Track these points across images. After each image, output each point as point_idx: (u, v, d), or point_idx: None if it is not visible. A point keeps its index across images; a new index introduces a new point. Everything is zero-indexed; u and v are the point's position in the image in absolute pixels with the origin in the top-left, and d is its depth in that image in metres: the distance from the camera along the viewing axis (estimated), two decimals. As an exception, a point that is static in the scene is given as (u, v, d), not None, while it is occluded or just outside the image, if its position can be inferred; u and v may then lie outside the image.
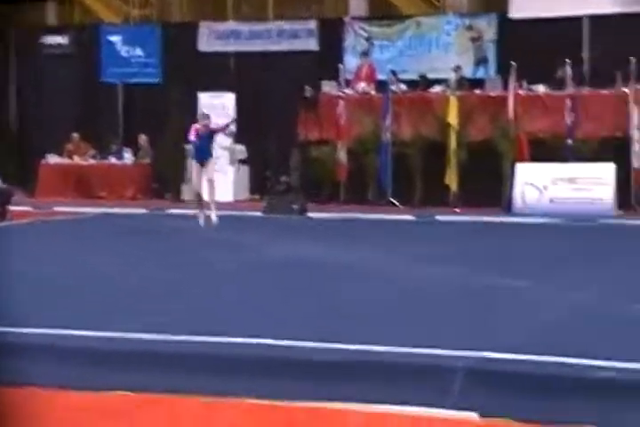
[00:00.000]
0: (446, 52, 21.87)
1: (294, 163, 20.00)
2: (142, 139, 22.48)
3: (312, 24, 22.72)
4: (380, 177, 19.05)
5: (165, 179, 21.72)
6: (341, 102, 19.41)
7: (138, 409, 5.64)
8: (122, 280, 9.45)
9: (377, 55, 21.99)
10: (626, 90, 18.17)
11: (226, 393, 5.67)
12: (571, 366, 5.79)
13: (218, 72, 22.45)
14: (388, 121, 19.03)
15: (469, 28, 21.81)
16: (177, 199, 20.78)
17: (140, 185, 22.27)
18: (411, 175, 19.12)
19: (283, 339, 6.34)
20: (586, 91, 18.89)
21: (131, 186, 22.17)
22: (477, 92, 19.67)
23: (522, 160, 18.15)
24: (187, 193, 19.90)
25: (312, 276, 9.98)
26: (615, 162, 17.44)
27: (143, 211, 18.73)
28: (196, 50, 23.29)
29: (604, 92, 18.74)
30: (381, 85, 19.97)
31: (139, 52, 23.87)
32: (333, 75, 20.04)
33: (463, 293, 8.87)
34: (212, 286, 9.29)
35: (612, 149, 18.04)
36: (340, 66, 20.10)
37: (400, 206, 18.79)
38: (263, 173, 21.02)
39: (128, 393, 5.74)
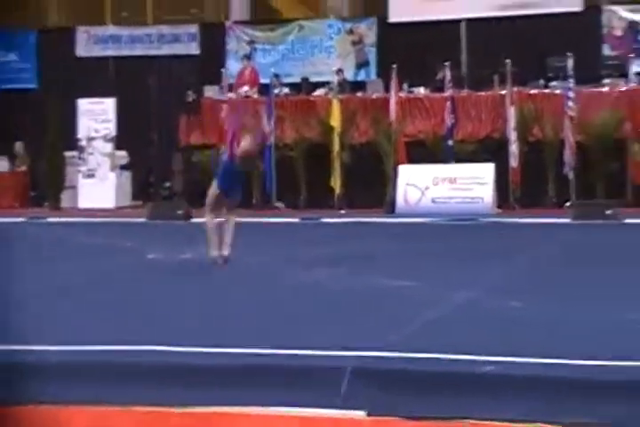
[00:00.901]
0: (328, 55, 22.02)
1: (177, 168, 19.82)
2: (18, 146, 21.98)
3: (193, 28, 22.61)
4: (264, 181, 19.02)
5: (43, 187, 21.26)
6: (224, 106, 19.31)
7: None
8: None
9: (260, 59, 22.00)
10: (503, 92, 18.52)
11: (115, 402, 5.58)
12: (454, 362, 5.88)
13: (97, 77, 22.11)
14: (272, 125, 19.01)
15: (350, 31, 22.00)
16: (55, 207, 20.35)
17: (17, 193, 21.76)
18: (295, 178, 19.16)
19: (167, 345, 6.26)
20: (465, 93, 19.21)
21: (7, 194, 21.65)
22: (359, 94, 19.85)
23: (403, 162, 18.36)
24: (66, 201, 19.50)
25: (194, 281, 9.90)
26: (494, 162, 17.77)
27: (21, 219, 18.29)
28: (74, 55, 22.90)
29: (482, 94, 19.09)
30: (264, 89, 19.95)
31: (13, 57, 23.35)
32: (216, 79, 19.93)
33: (348, 293, 8.88)
34: (86, 292, 9.08)
35: (491, 149, 18.41)
36: (223, 70, 20.01)
37: (285, 209, 18.80)
38: (146, 179, 20.76)
39: None
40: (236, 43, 22.40)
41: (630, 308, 7.74)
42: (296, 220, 17.23)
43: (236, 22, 22.79)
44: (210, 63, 21.31)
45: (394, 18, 21.61)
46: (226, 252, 10.84)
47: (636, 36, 20.05)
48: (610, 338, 6.66)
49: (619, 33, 20.41)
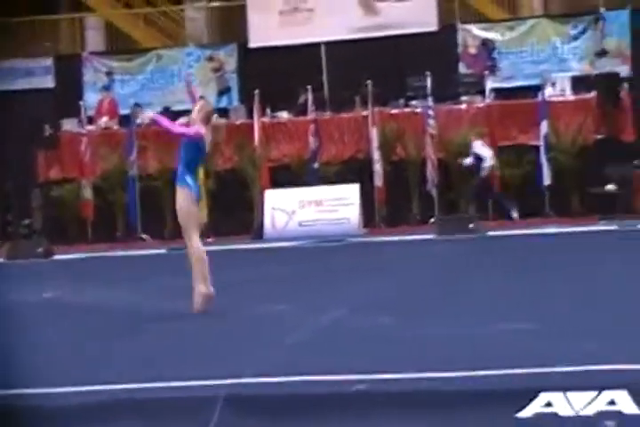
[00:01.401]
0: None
1: (36, 204, 19.32)
2: None
3: (48, 61, 22.16)
4: (128, 212, 18.68)
5: None
6: (84, 139, 18.95)
7: None
8: None
9: (118, 90, 21.70)
10: (365, 113, 18.63)
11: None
12: (324, 383, 5.80)
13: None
14: (134, 155, 18.72)
15: (210, 58, 21.88)
16: None
17: None
18: (160, 209, 18.86)
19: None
20: (327, 115, 19.27)
21: None
22: (222, 121, 19.68)
23: (268, 187, 18.29)
24: None
25: (56, 318, 9.59)
26: (359, 182, 17.84)
27: None
28: None
29: (345, 115, 19.19)
30: (124, 120, 19.64)
31: None
32: (74, 112, 19.54)
33: (217, 321, 8.79)
34: None
35: (356, 170, 18.49)
36: (81, 102, 19.63)
37: (151, 240, 18.48)
38: (4, 217, 20.15)
39: None
40: (93, 74, 22.04)
41: (496, 318, 7.81)
42: (163, 251, 16.92)
43: (93, 53, 22.46)
44: (67, 96, 20.90)
45: (254, 43, 21.60)
46: (211, 288, 9.05)
47: (489, 53, 20.44)
48: (477, 349, 6.68)
49: (473, 51, 20.80)
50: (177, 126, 9.42)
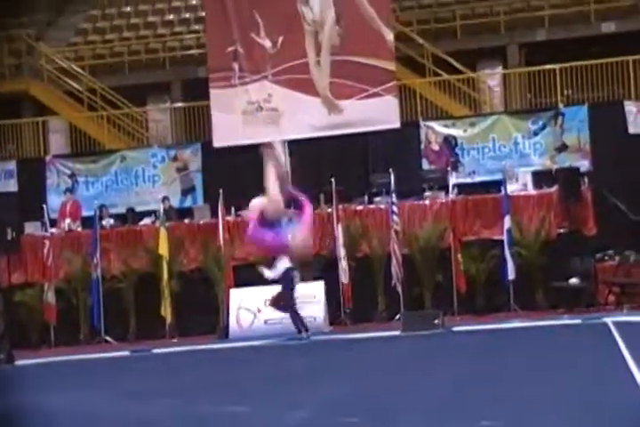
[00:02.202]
0: (153, 184, 21.91)
1: (-2, 309, 19.07)
2: None
3: (10, 165, 22.21)
4: (92, 314, 18.47)
5: None
6: (47, 242, 18.86)
7: None
8: None
9: (82, 191, 21.74)
10: (329, 210, 18.67)
11: None
12: None
13: None
14: (97, 257, 18.61)
15: (175, 158, 22.01)
16: None
17: None
18: (124, 310, 18.71)
19: None
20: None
21: None
22: (187, 221, 19.70)
23: (233, 286, 18.18)
24: None
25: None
26: (324, 279, 17.77)
27: None
28: None
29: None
30: (88, 222, 19.58)
31: None
32: (37, 215, 19.48)
33: (185, 424, 8.69)
34: None
35: (321, 267, 18.41)
36: (44, 205, 19.59)
37: (115, 343, 18.24)
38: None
39: None
40: (56, 177, 22.09)
41: (460, 418, 7.70)
42: (126, 353, 16.68)
43: (56, 156, 22.53)
44: (30, 199, 20.82)
45: (217, 143, 21.75)
46: None
47: (452, 149, 20.69)
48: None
49: (436, 147, 21.04)
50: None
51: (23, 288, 19.06)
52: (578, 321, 15.59)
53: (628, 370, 9.76)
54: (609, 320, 14.90)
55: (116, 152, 22.37)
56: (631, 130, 20.12)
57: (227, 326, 17.68)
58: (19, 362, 16.26)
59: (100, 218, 19.64)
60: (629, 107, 20.26)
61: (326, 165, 20.93)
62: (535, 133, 20.57)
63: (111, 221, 19.95)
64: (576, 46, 22.25)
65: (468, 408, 8.33)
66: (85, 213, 20.27)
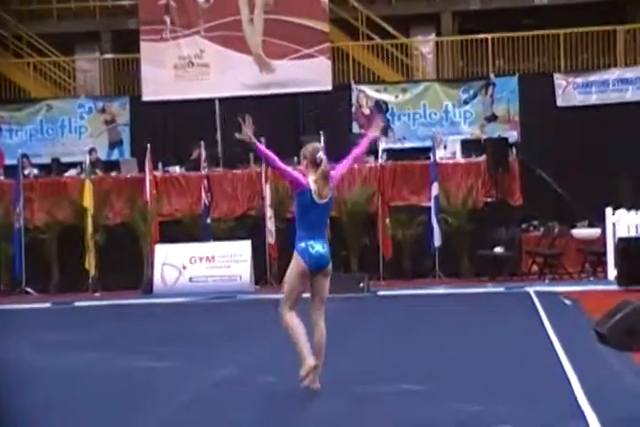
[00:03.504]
0: (79, 135, 21.59)
1: None
2: None
3: None
4: (13, 265, 18.18)
5: None
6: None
7: None
8: None
9: (6, 139, 21.34)
10: (259, 169, 18.61)
11: None
12: None
13: None
14: (20, 207, 18.27)
15: (102, 110, 21.70)
16: None
17: None
18: (47, 262, 18.45)
19: None
20: (220, 171, 19.19)
21: None
22: (113, 174, 19.44)
23: (158, 241, 18.05)
24: None
25: None
26: (251, 239, 17.75)
27: None
28: None
29: (238, 172, 19.12)
30: (10, 171, 19.19)
31: None
32: (-41, 160, 19.05)
33: (104, 378, 8.68)
34: None
35: (248, 226, 18.40)
36: (-34, 151, 19.17)
37: (36, 294, 17.99)
38: None
39: None
40: (-21, 123, 21.64)
41: (378, 379, 7.83)
42: (48, 305, 16.49)
43: (-21, 103, 22.06)
44: (-48, 144, 20.41)
45: (147, 97, 21.49)
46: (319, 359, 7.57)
47: (382, 114, 20.75)
48: (358, 409, 6.66)
49: (367, 111, 21.09)
50: (280, 162, 7.68)
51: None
52: (501, 289, 15.90)
53: (547, 337, 10.08)
54: (531, 290, 15.25)
55: (42, 101, 21.96)
56: (559, 103, 20.45)
57: (151, 282, 17.55)
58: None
59: (23, 168, 19.26)
60: (559, 80, 20.57)
61: (257, 125, 20.47)
62: (465, 102, 20.78)
63: (34, 170, 19.56)
64: (509, 17, 22.45)
65: (388, 371, 8.51)
66: (8, 161, 19.85)
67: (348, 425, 6.37)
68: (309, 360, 7.40)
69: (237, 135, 7.93)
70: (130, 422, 6.64)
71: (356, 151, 7.96)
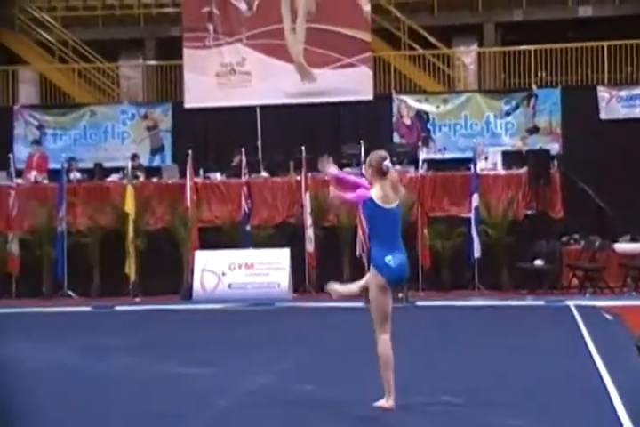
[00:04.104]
0: (122, 140, 21.80)
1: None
2: None
3: (-22, 112, 22.02)
4: (55, 268, 18.36)
5: None
6: (12, 193, 18.66)
7: None
8: None
9: (50, 144, 21.56)
10: (298, 177, 18.67)
11: None
12: None
13: None
14: (63, 211, 18.46)
15: (145, 117, 21.90)
16: None
17: None
18: (88, 265, 18.61)
19: None
20: (261, 178, 19.28)
21: None
22: (154, 180, 19.59)
23: (198, 248, 18.15)
24: None
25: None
26: (290, 247, 17.81)
27: None
28: None
29: (278, 179, 19.21)
30: (54, 175, 19.39)
31: None
32: (3, 165, 19.23)
33: (143, 383, 8.76)
34: None
35: (287, 234, 18.46)
36: (10, 155, 19.35)
37: (77, 298, 18.15)
38: None
39: None
40: (24, 127, 21.91)
41: (419, 390, 7.83)
42: (88, 308, 16.64)
43: (25, 106, 22.31)
44: (-3, 148, 20.65)
45: (189, 104, 21.66)
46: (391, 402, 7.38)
47: (424, 124, 20.78)
48: (399, 419, 6.67)
49: (408, 122, 21.12)
50: (349, 194, 7.47)
51: (-13, 237, 18.90)
52: (541, 303, 15.82)
53: (588, 352, 10.04)
54: (571, 303, 15.17)
55: (86, 106, 22.22)
56: (603, 116, 20.35)
57: (190, 288, 17.66)
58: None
59: (68, 171, 19.51)
60: (602, 93, 20.48)
61: (297, 133, 20.93)
62: (507, 113, 20.74)
63: (78, 174, 19.77)
64: (553, 29, 22.39)
65: (426, 382, 8.50)
66: (52, 165, 20.06)
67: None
68: (390, 401, 7.27)
69: (322, 170, 7.87)
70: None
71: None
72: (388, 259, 7.19)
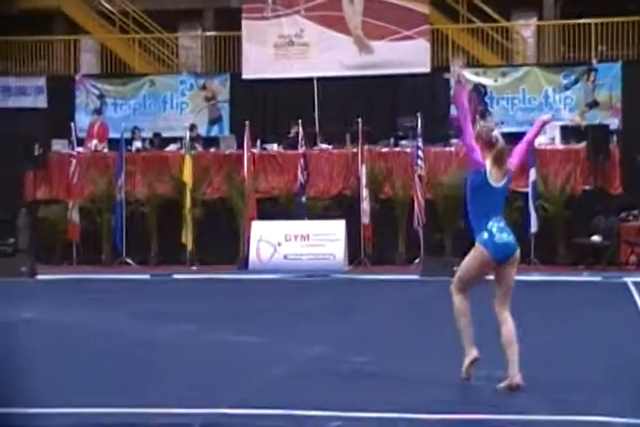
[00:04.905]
0: (181, 111, 21.98)
1: (22, 223, 19.18)
2: None
3: (41, 81, 22.20)
4: (114, 236, 18.63)
5: None
6: (73, 161, 18.93)
7: None
8: None
9: (110, 113, 21.77)
10: (354, 150, 18.70)
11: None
12: (303, 418, 5.85)
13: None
14: (122, 180, 18.69)
15: (203, 87, 22.05)
16: None
17: None
18: (146, 234, 18.85)
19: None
20: (317, 150, 19.34)
21: None
22: (212, 150, 19.74)
23: (255, 218, 18.30)
24: None
25: (34, 338, 9.56)
26: (346, 219, 17.89)
27: None
28: None
29: (335, 151, 19.25)
30: (114, 144, 19.62)
31: None
32: (64, 133, 19.49)
33: (198, 350, 8.88)
34: None
35: (343, 206, 18.55)
36: (72, 124, 19.59)
37: (135, 265, 18.41)
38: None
39: None
40: (85, 96, 22.12)
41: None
42: (147, 276, 16.89)
43: (86, 76, 22.55)
44: (58, 117, 20.85)
45: (247, 75, 21.74)
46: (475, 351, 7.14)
47: (481, 98, 20.64)
48: (453, 392, 6.74)
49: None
50: (470, 129, 7.04)
51: (48, 204, 19.14)
52: (598, 279, 15.71)
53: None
54: (629, 280, 15.05)
55: (146, 76, 22.38)
56: (664, 91, 20.11)
57: (246, 258, 17.82)
58: (40, 276, 16.51)
59: (132, 139, 19.73)
60: (663, 67, 20.21)
61: (354, 105, 20.93)
62: (566, 88, 20.56)
63: (140, 143, 19.98)
64: (612, 2, 22.05)
65: (483, 358, 8.49)
66: (112, 134, 20.29)
67: (447, 409, 6.40)
68: (474, 352, 7.04)
69: (449, 73, 7.34)
70: (218, 394, 6.74)
71: (529, 136, 7.37)
72: (495, 234, 6.91)
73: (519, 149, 7.23)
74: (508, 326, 6.97)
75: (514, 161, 7.10)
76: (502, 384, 6.90)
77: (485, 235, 6.91)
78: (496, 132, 7.05)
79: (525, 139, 7.33)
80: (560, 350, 8.85)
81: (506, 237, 6.92)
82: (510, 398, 6.65)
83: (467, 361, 7.07)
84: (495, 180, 6.92)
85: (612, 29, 21.05)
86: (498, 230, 6.91)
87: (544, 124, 7.50)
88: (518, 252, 7.02)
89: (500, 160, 6.93)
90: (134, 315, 11.47)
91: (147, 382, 7.23)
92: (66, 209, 18.81)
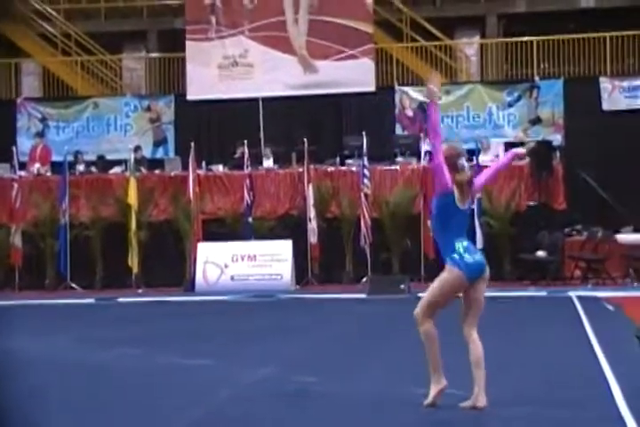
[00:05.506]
0: (125, 132, 21.83)
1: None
2: None
3: (-19, 105, 22.05)
4: (58, 260, 18.40)
5: None
6: (15, 185, 18.71)
7: None
8: None
9: (53, 136, 21.62)
10: (301, 169, 18.69)
11: None
12: None
13: None
14: (66, 203, 18.50)
15: (148, 109, 21.93)
16: None
17: None
18: (91, 258, 18.66)
19: None
20: (263, 170, 19.29)
21: None
22: (157, 172, 19.61)
23: (201, 240, 18.19)
24: None
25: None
26: (293, 238, 17.85)
27: None
28: None
29: (281, 171, 19.22)
30: (57, 167, 19.42)
31: None
32: (6, 157, 19.29)
33: (144, 373, 8.77)
34: None
35: (290, 226, 18.50)
36: (14, 148, 19.39)
37: (80, 290, 18.19)
38: None
39: None
40: (27, 120, 21.97)
41: (413, 381, 7.82)
42: (91, 300, 16.69)
43: (28, 99, 22.36)
44: (0, 140, 20.65)
45: (191, 96, 21.68)
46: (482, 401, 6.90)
47: (425, 116, 20.70)
48: (395, 412, 6.67)
49: (410, 113, 21.11)
50: (441, 151, 6.82)
51: (-11, 228, 18.96)
52: (543, 293, 15.83)
53: (589, 342, 10.05)
54: (573, 294, 15.17)
55: (89, 99, 22.26)
56: (605, 106, 20.34)
57: (193, 280, 17.72)
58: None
59: (75, 163, 19.55)
60: (604, 84, 20.47)
61: (299, 125, 20.97)
62: (510, 105, 20.75)
63: (81, 167, 19.79)
64: (555, 20, 22.37)
65: (424, 373, 8.48)
66: (55, 158, 20.09)
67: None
68: (443, 380, 6.97)
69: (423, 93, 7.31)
70: (165, 418, 6.70)
71: (499, 165, 7.38)
72: (465, 255, 6.82)
73: (487, 173, 7.21)
74: (477, 347, 7.00)
75: (480, 180, 7.07)
76: (466, 403, 6.88)
77: (456, 256, 6.85)
78: (463, 160, 6.90)
79: (495, 166, 7.38)
80: (500, 367, 8.84)
81: (475, 255, 6.92)
82: (451, 416, 6.63)
83: (435, 390, 7.00)
84: (460, 201, 6.87)
85: (554, 47, 21.32)
86: (465, 250, 6.87)
87: (516, 156, 7.46)
88: (487, 269, 7.02)
89: (463, 187, 6.82)
90: (78, 340, 11.36)
91: (90, 409, 7.12)
92: (8, 234, 18.58)
